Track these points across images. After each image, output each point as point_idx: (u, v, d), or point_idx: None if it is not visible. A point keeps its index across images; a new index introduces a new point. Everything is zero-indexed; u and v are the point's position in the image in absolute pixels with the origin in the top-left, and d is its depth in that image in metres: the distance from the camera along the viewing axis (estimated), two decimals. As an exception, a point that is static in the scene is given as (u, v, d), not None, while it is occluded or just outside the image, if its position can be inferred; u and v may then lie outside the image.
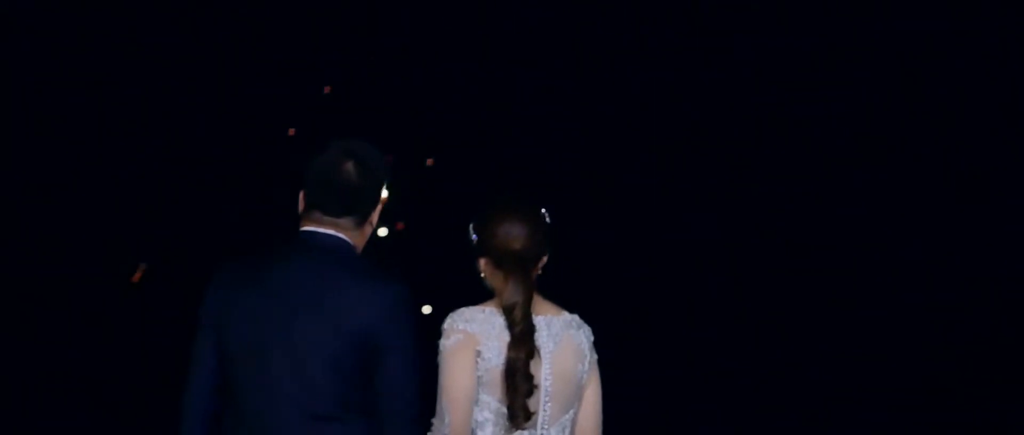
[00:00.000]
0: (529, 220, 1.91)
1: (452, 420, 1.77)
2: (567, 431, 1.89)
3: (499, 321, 1.82)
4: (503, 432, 1.84)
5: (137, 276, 5.56)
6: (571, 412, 1.90)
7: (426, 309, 4.55)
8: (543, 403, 1.83)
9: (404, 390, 1.69)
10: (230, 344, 1.71)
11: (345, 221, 1.79)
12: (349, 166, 1.78)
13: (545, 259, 1.93)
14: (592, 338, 1.93)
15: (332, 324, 1.67)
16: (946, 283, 5.88)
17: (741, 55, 6.15)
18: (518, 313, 1.81)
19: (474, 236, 1.92)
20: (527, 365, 1.78)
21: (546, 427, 1.85)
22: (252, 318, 1.70)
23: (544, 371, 1.83)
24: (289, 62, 6.10)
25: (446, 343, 1.81)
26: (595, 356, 1.92)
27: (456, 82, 6.28)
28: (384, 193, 1.87)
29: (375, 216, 1.85)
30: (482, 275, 1.92)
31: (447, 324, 1.83)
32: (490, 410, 1.82)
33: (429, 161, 6.27)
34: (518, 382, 1.77)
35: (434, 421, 1.79)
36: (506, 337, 1.79)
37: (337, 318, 1.67)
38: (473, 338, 1.80)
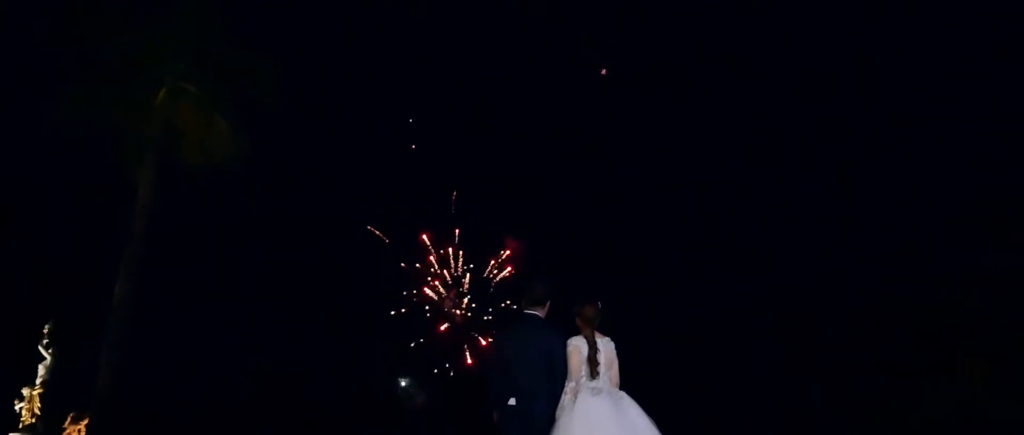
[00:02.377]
0: (594, 307, 7.20)
1: (574, 376, 7.02)
2: (609, 379, 7.08)
3: (585, 341, 7.05)
4: (588, 379, 7.02)
5: None
6: (610, 372, 7.11)
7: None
8: (601, 367, 7.03)
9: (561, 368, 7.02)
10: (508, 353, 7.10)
11: (538, 308, 7.24)
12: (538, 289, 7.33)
13: (599, 319, 7.19)
14: (613, 343, 7.17)
15: (537, 348, 7.03)
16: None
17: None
18: (590, 339, 7.09)
19: (576, 312, 7.20)
20: (595, 356, 7.03)
21: (602, 377, 7.03)
22: (514, 345, 7.14)
23: (601, 356, 7.05)
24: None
25: (569, 348, 7.07)
26: (615, 351, 7.17)
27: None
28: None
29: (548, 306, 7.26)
30: (579, 324, 7.14)
31: (569, 341, 7.10)
32: (584, 372, 7.02)
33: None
34: (592, 362, 7.00)
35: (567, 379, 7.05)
36: (586, 347, 7.04)
37: (539, 345, 7.02)
38: (578, 347, 7.03)
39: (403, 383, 23.59)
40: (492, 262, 27.53)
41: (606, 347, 7.24)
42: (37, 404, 16.36)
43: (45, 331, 16.63)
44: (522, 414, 7.03)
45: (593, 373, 7.12)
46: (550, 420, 6.98)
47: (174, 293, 17.98)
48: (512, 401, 7.08)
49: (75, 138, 15.78)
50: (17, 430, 15.89)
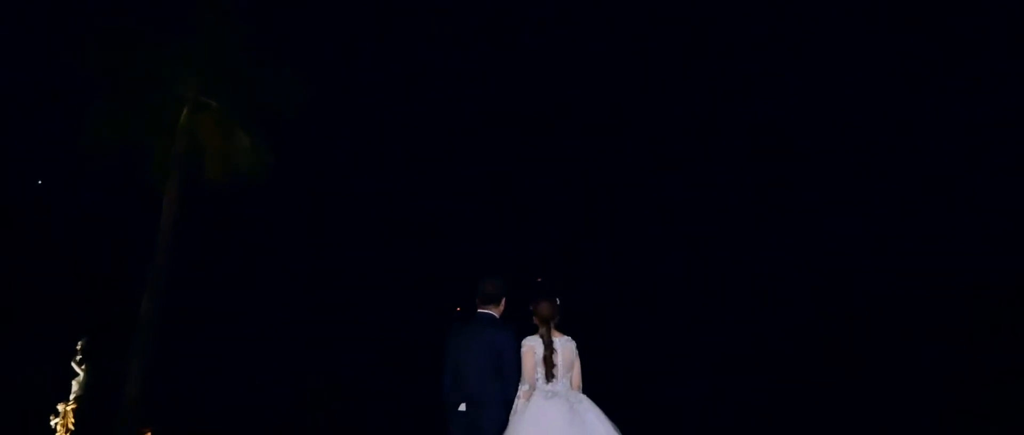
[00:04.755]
0: (551, 304, 6.63)
1: (527, 379, 6.43)
2: (568, 381, 6.49)
3: (540, 341, 6.53)
4: (544, 381, 6.44)
5: None
6: (569, 374, 6.53)
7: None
8: (559, 369, 6.45)
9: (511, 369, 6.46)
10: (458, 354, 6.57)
11: (491, 306, 6.74)
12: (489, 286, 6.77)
13: (558, 317, 6.63)
14: (575, 343, 6.60)
15: (486, 347, 6.48)
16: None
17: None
18: (546, 338, 6.54)
19: (532, 309, 6.63)
20: (551, 357, 6.46)
21: (559, 380, 6.45)
22: (464, 345, 6.57)
23: (558, 358, 6.48)
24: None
25: (523, 348, 6.50)
26: (577, 351, 6.59)
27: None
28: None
29: (503, 305, 6.78)
30: (535, 322, 6.59)
31: (524, 341, 6.54)
32: (539, 374, 6.44)
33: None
34: (547, 363, 6.45)
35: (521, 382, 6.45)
36: (541, 347, 6.51)
37: (487, 344, 6.49)
38: (532, 347, 6.52)
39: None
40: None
41: (564, 347, 6.64)
42: (71, 419, 16.66)
43: (78, 347, 16.98)
44: (471, 422, 6.50)
45: (549, 375, 6.53)
46: (501, 428, 6.43)
47: (200, 306, 18.13)
48: (462, 407, 6.56)
49: (103, 154, 16.02)
50: (52, 445, 16.20)
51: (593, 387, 6.84)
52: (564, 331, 6.80)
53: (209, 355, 18.47)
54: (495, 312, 6.80)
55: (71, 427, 16.62)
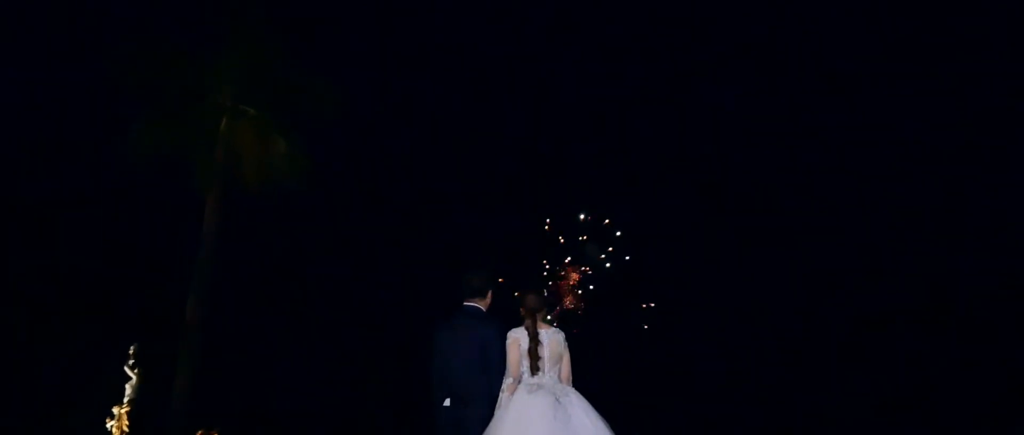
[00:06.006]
0: (538, 295, 6.56)
1: (512, 372, 6.29)
2: (556, 374, 6.36)
3: (525, 333, 6.39)
4: (529, 374, 6.30)
5: None
6: (557, 367, 6.39)
7: None
8: (545, 362, 6.33)
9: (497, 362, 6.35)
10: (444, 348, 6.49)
11: (477, 299, 6.66)
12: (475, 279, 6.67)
13: (544, 310, 6.57)
14: (563, 334, 6.50)
15: (471, 340, 6.37)
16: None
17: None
18: (531, 330, 6.39)
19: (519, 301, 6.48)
20: (536, 349, 6.33)
21: (546, 372, 6.32)
22: (449, 339, 6.49)
23: (544, 350, 6.35)
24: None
25: (508, 341, 6.38)
26: (566, 343, 6.49)
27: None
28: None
29: (490, 298, 6.70)
30: (522, 314, 6.45)
31: (509, 333, 6.41)
32: (525, 366, 6.31)
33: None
34: (533, 355, 6.32)
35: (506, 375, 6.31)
36: (526, 339, 6.37)
37: (472, 337, 6.39)
38: (517, 339, 6.39)
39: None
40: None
41: (551, 339, 6.48)
42: (125, 422, 17.19)
43: (131, 352, 17.51)
44: (457, 417, 6.39)
45: (534, 368, 6.39)
46: (487, 423, 6.30)
47: (245, 314, 18.49)
48: (446, 403, 6.46)
49: (148, 165, 16.51)
50: (108, 447, 16.72)
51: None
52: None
53: (259, 357, 18.84)
54: (481, 305, 6.70)
55: (126, 429, 17.14)
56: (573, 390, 6.46)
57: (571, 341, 6.66)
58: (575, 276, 18.76)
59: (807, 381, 20.21)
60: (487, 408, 6.29)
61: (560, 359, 6.49)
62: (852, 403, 19.39)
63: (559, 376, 6.46)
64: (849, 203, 22.92)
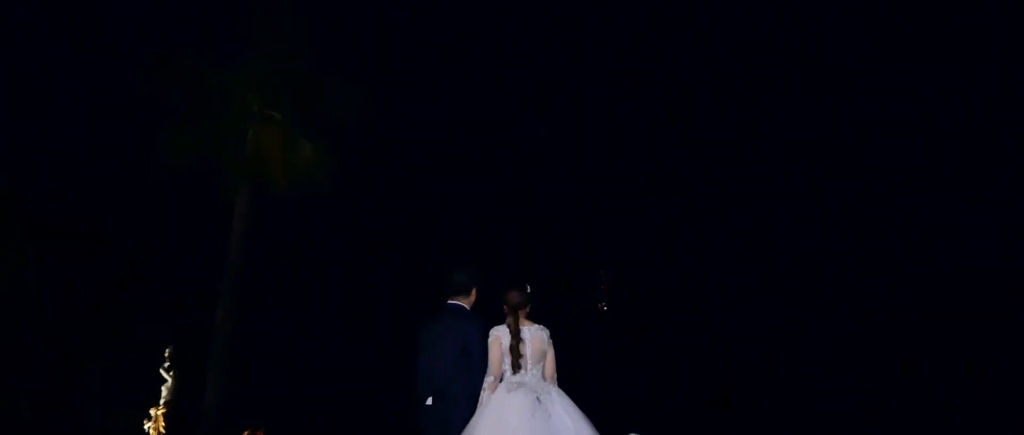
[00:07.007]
0: (520, 291, 6.25)
1: (493, 370, 6.13)
2: (539, 372, 6.13)
3: (507, 330, 6.16)
4: (512, 373, 6.07)
5: None
6: (540, 365, 6.15)
7: None
8: (526, 360, 6.08)
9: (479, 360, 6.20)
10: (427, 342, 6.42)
11: (461, 297, 6.53)
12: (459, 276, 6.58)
13: (528, 307, 6.25)
14: (548, 332, 6.19)
15: (453, 339, 6.28)
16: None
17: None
18: (513, 327, 6.15)
19: (502, 298, 6.24)
20: (518, 347, 6.09)
21: (528, 370, 6.08)
22: (432, 337, 6.41)
23: (526, 347, 6.10)
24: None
25: (490, 339, 6.18)
26: (551, 340, 6.19)
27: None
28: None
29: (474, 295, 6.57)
30: (504, 310, 6.22)
31: (491, 331, 6.21)
32: (507, 364, 6.09)
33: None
34: (514, 353, 6.09)
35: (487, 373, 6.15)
36: (508, 337, 6.14)
37: (455, 335, 6.29)
38: (499, 336, 6.16)
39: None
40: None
41: (534, 337, 6.32)
42: (161, 423, 17.60)
43: (166, 355, 17.93)
44: (439, 415, 6.33)
45: (516, 366, 6.25)
46: (469, 421, 6.22)
47: (274, 315, 18.71)
48: (429, 401, 6.40)
49: (178, 171, 16.84)
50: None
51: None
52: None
53: (289, 357, 19.07)
54: (465, 303, 6.60)
55: (162, 431, 17.55)
56: (556, 388, 6.30)
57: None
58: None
59: (811, 384, 19.93)
60: (469, 407, 6.21)
61: (543, 356, 6.34)
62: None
63: (543, 374, 6.32)
64: (851, 203, 22.58)
